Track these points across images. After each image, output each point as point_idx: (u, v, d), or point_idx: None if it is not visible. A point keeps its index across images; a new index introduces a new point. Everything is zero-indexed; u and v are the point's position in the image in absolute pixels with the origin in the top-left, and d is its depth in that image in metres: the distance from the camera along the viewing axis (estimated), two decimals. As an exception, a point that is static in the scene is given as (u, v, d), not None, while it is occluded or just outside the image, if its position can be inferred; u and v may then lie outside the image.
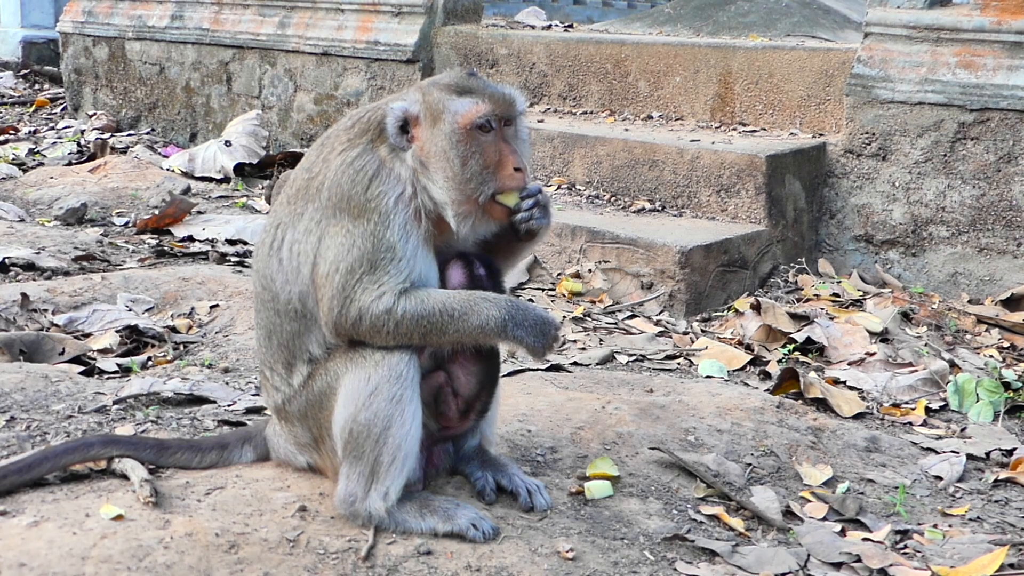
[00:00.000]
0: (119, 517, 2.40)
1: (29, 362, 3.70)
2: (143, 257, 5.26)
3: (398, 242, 2.42)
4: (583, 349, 4.18)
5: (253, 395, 3.39)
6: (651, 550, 2.60)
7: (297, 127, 7.71)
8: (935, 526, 2.91)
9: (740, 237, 4.85)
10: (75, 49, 9.47)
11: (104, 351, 3.92)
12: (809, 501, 2.99)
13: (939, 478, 3.23)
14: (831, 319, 4.44)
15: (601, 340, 4.31)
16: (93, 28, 9.24)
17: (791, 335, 4.31)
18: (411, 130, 2.48)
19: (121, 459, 2.65)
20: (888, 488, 3.12)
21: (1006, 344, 4.42)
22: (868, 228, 5.21)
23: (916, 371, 4.03)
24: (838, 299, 4.77)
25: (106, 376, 3.67)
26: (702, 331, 4.51)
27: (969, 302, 4.85)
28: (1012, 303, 4.72)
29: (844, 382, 3.99)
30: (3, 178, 7.07)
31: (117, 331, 4.06)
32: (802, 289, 4.91)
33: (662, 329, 4.48)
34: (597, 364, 4.03)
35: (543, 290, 4.89)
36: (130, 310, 4.27)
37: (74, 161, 7.63)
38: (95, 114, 9.02)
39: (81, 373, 3.61)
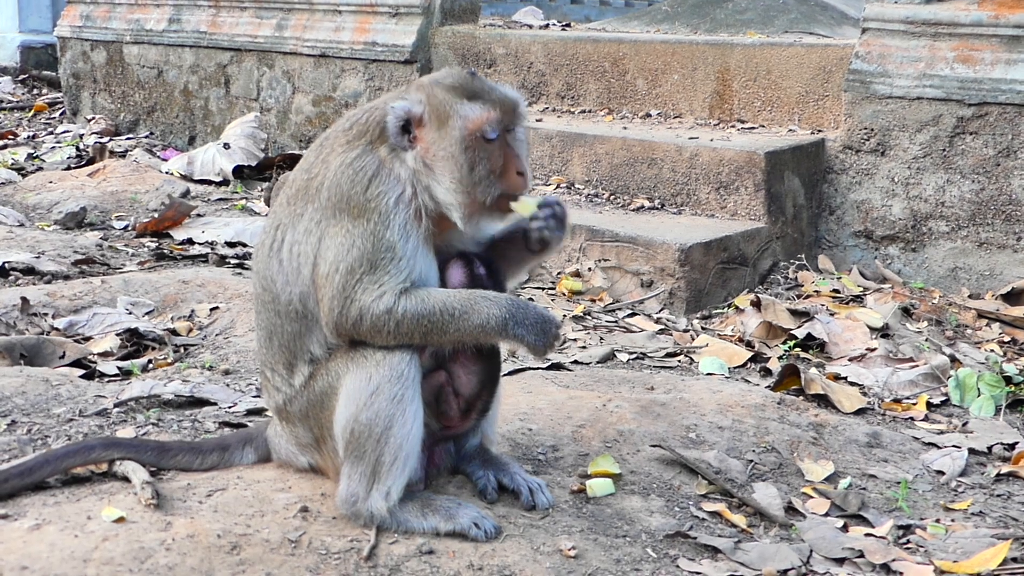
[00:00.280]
0: (121, 519, 2.40)
1: (30, 366, 3.70)
2: (143, 260, 5.26)
3: (398, 242, 2.42)
4: (584, 348, 4.18)
5: (254, 397, 3.39)
6: (653, 547, 2.61)
7: (296, 129, 7.70)
8: (937, 521, 2.90)
9: (740, 234, 4.84)
10: (73, 53, 9.47)
11: (104, 354, 3.92)
12: (811, 497, 2.99)
13: (941, 473, 3.23)
14: (831, 315, 4.44)
15: (601, 338, 4.31)
16: (91, 32, 9.24)
17: (791, 331, 4.31)
18: (413, 130, 2.47)
19: (122, 462, 2.65)
20: (890, 483, 3.12)
21: (1007, 338, 4.42)
22: (868, 224, 5.21)
23: (917, 366, 4.03)
24: (838, 295, 4.77)
25: (107, 379, 3.67)
26: (702, 328, 4.51)
27: (969, 297, 4.85)
28: (1012, 297, 4.71)
29: (845, 378, 3.99)
30: (2, 183, 7.07)
31: (117, 334, 4.06)
32: (802, 285, 4.91)
33: (662, 327, 4.48)
34: (598, 362, 4.03)
35: (543, 289, 4.90)
36: (130, 313, 4.27)
37: (73, 165, 7.62)
38: (94, 118, 9.01)
39: (82, 376, 3.61)
